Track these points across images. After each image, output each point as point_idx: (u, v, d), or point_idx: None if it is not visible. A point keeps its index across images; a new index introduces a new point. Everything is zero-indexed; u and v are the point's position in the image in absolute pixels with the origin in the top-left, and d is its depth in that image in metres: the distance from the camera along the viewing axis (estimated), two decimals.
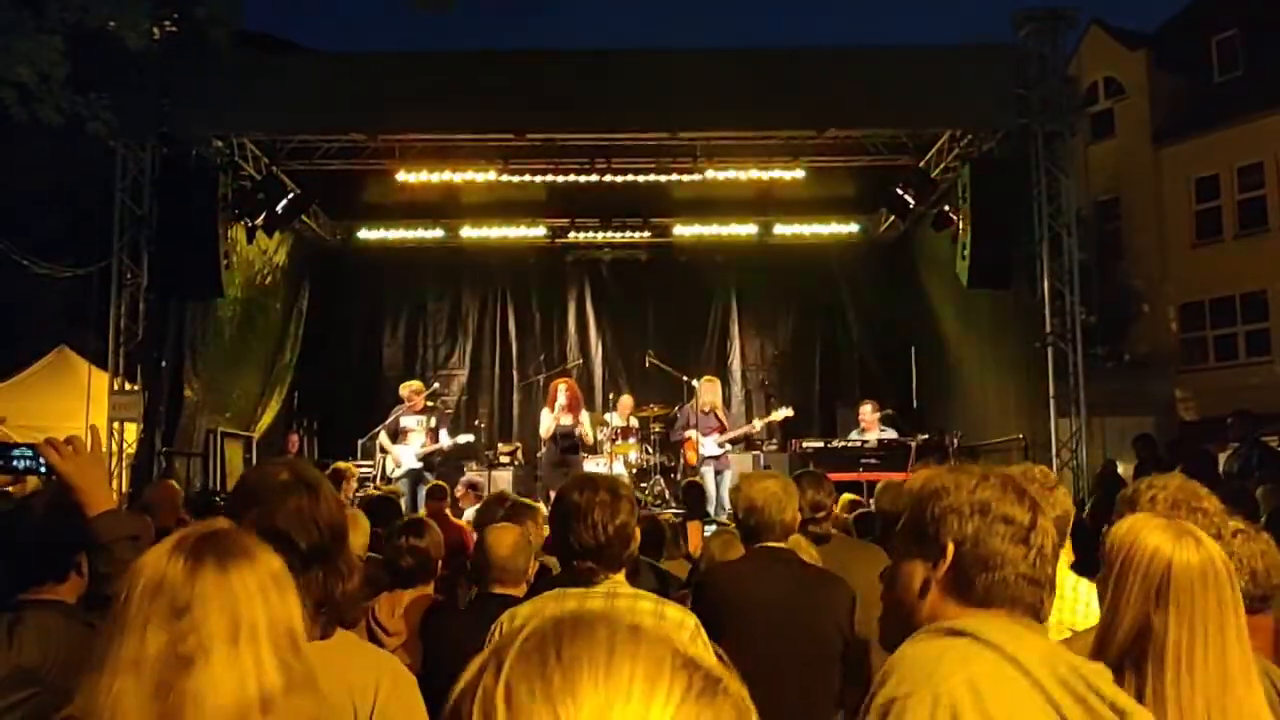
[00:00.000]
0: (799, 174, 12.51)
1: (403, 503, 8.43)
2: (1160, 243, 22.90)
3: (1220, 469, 9.98)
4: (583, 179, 12.73)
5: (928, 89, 10.73)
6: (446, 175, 12.49)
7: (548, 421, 11.71)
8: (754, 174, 12.53)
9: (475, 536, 4.67)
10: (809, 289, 14.99)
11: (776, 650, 3.35)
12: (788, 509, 3.68)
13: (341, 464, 9.56)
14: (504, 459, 12.46)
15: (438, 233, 14.43)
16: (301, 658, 1.52)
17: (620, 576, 2.81)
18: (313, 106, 10.80)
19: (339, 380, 14.58)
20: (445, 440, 11.44)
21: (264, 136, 11.64)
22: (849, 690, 3.57)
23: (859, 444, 11.50)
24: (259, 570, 1.52)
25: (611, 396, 13.12)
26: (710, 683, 0.78)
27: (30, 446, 2.81)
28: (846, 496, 6.67)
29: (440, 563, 4.34)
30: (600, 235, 14.71)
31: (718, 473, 11.39)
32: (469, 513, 8.59)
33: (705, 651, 2.64)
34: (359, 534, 4.12)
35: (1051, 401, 10.62)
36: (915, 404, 13.74)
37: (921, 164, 12.11)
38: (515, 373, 14.85)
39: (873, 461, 11.05)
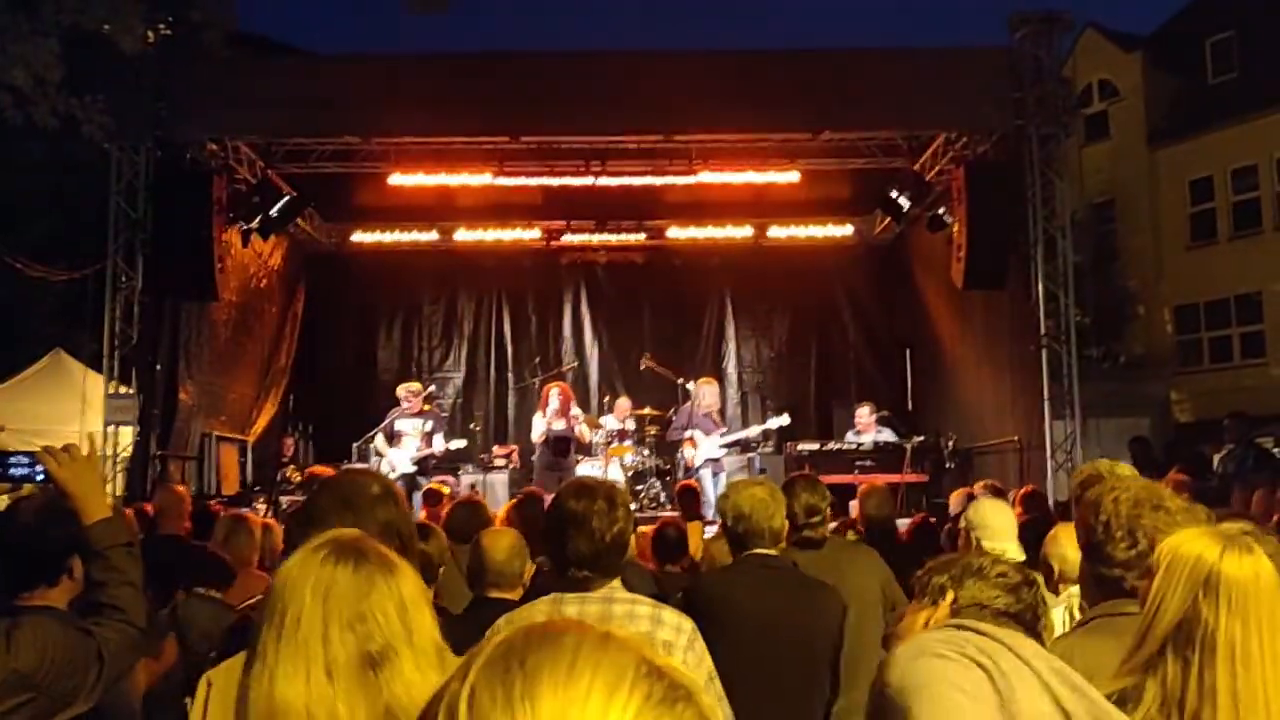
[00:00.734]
0: (794, 176, 12.51)
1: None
2: (1155, 245, 22.95)
3: (1215, 470, 10.02)
4: (578, 182, 12.74)
5: (923, 91, 10.74)
6: (441, 178, 12.49)
7: (540, 425, 11.72)
8: (749, 176, 12.53)
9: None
10: (804, 291, 15.00)
11: (767, 658, 3.35)
12: (776, 516, 3.68)
13: (319, 468, 9.55)
14: (499, 462, 12.45)
15: (432, 236, 14.42)
16: (447, 668, 1.53)
17: (616, 582, 2.80)
18: (307, 110, 10.78)
19: (334, 383, 14.56)
20: (439, 445, 11.43)
21: (259, 140, 11.63)
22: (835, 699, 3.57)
23: (854, 446, 11.51)
24: (412, 582, 1.57)
25: (607, 399, 13.12)
26: (673, 691, 0.78)
27: (27, 454, 2.82)
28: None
29: (440, 568, 4.33)
30: (595, 238, 14.71)
31: (715, 475, 11.40)
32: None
33: (703, 656, 2.64)
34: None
35: (1046, 403, 10.62)
36: (910, 406, 13.75)
37: (916, 166, 12.12)
38: (511, 375, 14.84)
39: (868, 464, 11.06)
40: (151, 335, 10.98)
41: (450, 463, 12.06)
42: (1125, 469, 2.76)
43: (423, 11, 10.44)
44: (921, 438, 11.82)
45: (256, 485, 12.41)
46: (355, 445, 12.31)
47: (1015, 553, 3.71)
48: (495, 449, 12.89)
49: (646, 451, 12.23)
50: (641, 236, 14.66)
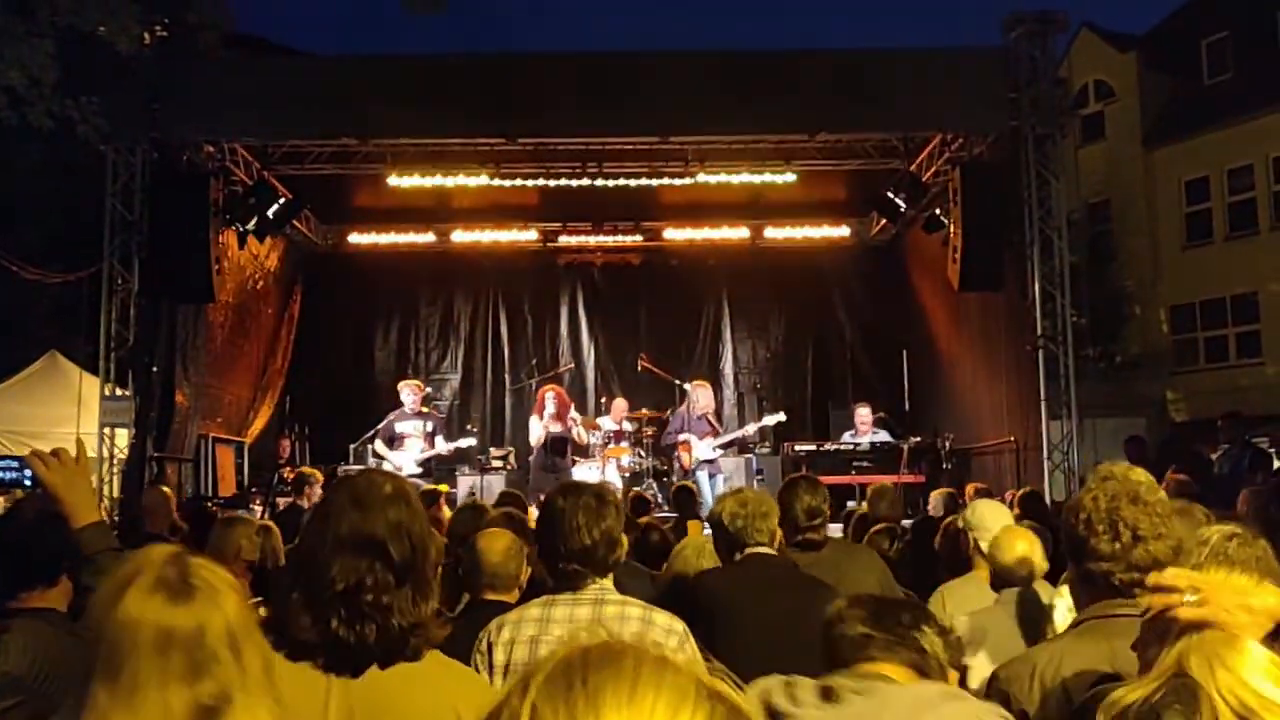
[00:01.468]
0: (790, 177, 12.52)
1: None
2: (1151, 245, 22.97)
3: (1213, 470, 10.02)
4: (574, 183, 12.74)
5: (919, 92, 10.74)
6: (438, 179, 12.49)
7: (536, 429, 11.73)
8: (745, 178, 12.54)
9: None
10: (801, 292, 15.00)
11: (768, 656, 3.33)
12: (770, 515, 3.71)
13: (308, 469, 9.54)
14: (496, 463, 12.45)
15: (429, 237, 14.41)
16: (276, 689, 1.53)
17: (608, 582, 2.81)
18: (304, 111, 10.78)
19: (331, 385, 14.54)
20: (443, 445, 11.42)
21: (255, 141, 11.62)
22: None
23: (851, 447, 11.52)
24: (236, 606, 1.52)
25: (604, 400, 13.12)
26: (733, 714, 0.80)
27: (16, 459, 2.82)
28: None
29: (441, 569, 4.34)
30: (592, 239, 14.71)
31: (711, 476, 11.41)
32: None
33: (694, 658, 2.64)
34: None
35: (1043, 404, 10.63)
36: (907, 407, 13.76)
37: (912, 167, 12.13)
38: (508, 377, 14.83)
39: (865, 464, 11.07)
40: (148, 337, 10.96)
41: (450, 464, 12.06)
42: (1140, 473, 2.72)
43: (421, 12, 10.41)
44: (918, 438, 11.83)
45: (253, 487, 12.41)
46: (352, 447, 12.31)
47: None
48: (492, 450, 12.89)
49: (643, 452, 12.23)
50: (638, 238, 14.67)
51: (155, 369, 11.07)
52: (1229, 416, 10.63)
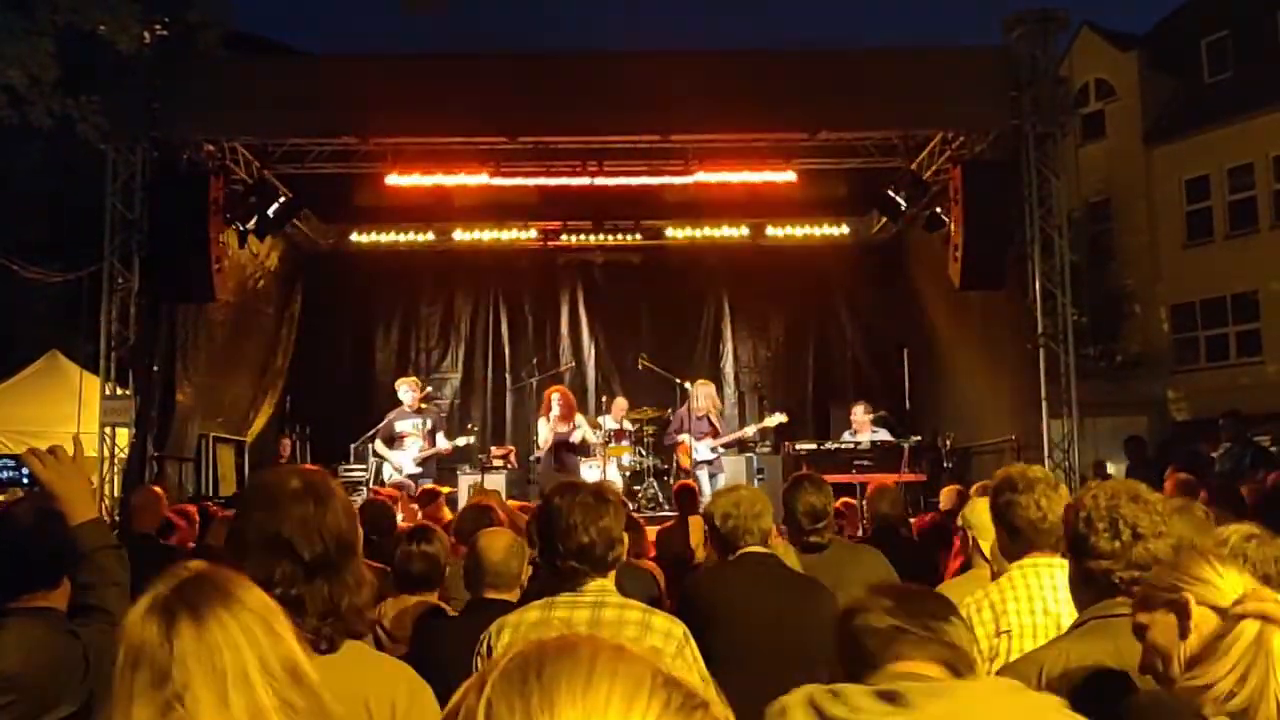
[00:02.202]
0: (790, 176, 12.48)
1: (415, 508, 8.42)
2: (1151, 244, 22.97)
3: (1214, 469, 10.02)
4: (574, 182, 12.72)
5: (919, 91, 10.73)
6: (438, 178, 12.47)
7: (544, 431, 11.70)
8: (746, 176, 12.52)
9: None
10: (801, 291, 14.99)
11: (763, 655, 3.34)
12: (763, 515, 3.71)
13: (307, 467, 9.48)
14: (497, 462, 12.44)
15: (429, 236, 14.40)
16: (305, 689, 1.48)
17: (609, 583, 2.80)
18: (304, 110, 10.76)
19: (331, 384, 14.54)
20: (443, 443, 11.42)
21: (255, 140, 11.60)
22: None
23: (852, 446, 11.51)
24: (239, 612, 1.47)
25: (605, 399, 13.11)
26: (689, 700, 0.80)
27: (12, 457, 2.82)
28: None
29: (446, 569, 4.34)
30: (592, 238, 14.69)
31: (712, 475, 11.40)
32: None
33: (695, 661, 2.62)
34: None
35: (1043, 402, 10.62)
36: (908, 406, 13.75)
37: (913, 166, 12.11)
38: (508, 376, 14.82)
39: (865, 463, 11.05)
40: (148, 336, 10.96)
41: (449, 462, 12.06)
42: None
43: (420, 12, 10.42)
44: (919, 437, 11.81)
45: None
46: (353, 446, 12.31)
47: None
48: (493, 450, 12.89)
49: (644, 451, 12.22)
50: (638, 236, 14.65)
51: (155, 368, 11.07)
52: (1230, 415, 10.63)
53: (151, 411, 10.93)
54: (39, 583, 2.58)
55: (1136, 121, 23.21)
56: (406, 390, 11.64)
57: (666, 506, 11.05)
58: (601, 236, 14.66)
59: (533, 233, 14.45)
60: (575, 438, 11.63)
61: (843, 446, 11.57)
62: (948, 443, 12.24)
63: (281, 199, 12.01)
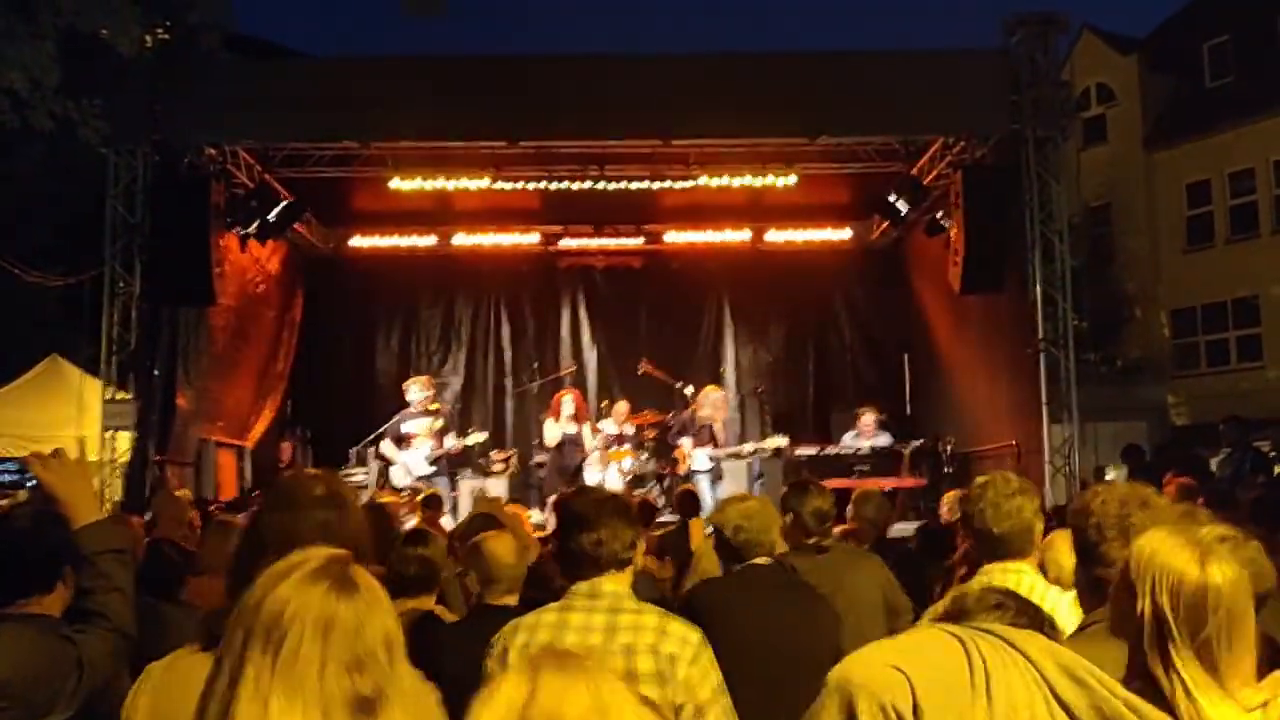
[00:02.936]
0: (791, 180, 12.52)
1: (445, 504, 8.45)
2: (1152, 248, 22.96)
3: (1214, 474, 10.00)
4: (575, 186, 12.73)
5: (920, 95, 10.73)
6: (439, 182, 12.49)
7: (554, 431, 11.67)
8: (746, 180, 12.54)
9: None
10: (802, 295, 14.98)
11: (767, 668, 3.33)
12: (771, 528, 3.70)
13: (311, 470, 9.47)
14: (498, 467, 12.43)
15: (431, 240, 14.40)
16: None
17: (625, 588, 2.79)
18: (305, 114, 10.76)
19: (332, 388, 14.52)
20: (451, 442, 11.39)
21: (256, 144, 11.61)
22: None
23: (852, 451, 11.50)
24: (394, 618, 1.52)
25: (605, 403, 13.10)
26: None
27: (15, 460, 2.81)
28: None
29: (442, 573, 4.33)
30: (593, 242, 14.70)
31: (713, 482, 11.36)
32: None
33: (712, 667, 2.61)
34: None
35: (1044, 407, 10.62)
36: (908, 410, 13.75)
37: (914, 170, 12.13)
38: (509, 380, 14.81)
39: (865, 468, 11.05)
40: (149, 340, 10.96)
41: (455, 463, 12.03)
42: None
43: (420, 14, 10.41)
44: (919, 442, 11.81)
45: (255, 490, 12.38)
46: (354, 450, 12.28)
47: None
48: (494, 454, 12.87)
49: (645, 455, 12.21)
50: (639, 241, 14.66)
51: (156, 372, 11.06)
52: (1230, 420, 10.61)
53: (152, 415, 10.92)
54: (33, 587, 2.57)
55: (1137, 125, 23.21)
56: (417, 390, 11.59)
57: (667, 511, 11.03)
58: (602, 240, 14.67)
59: (534, 237, 14.45)
60: (584, 442, 11.64)
61: (843, 451, 11.56)
62: (948, 447, 12.23)
63: (283, 203, 12.01)
